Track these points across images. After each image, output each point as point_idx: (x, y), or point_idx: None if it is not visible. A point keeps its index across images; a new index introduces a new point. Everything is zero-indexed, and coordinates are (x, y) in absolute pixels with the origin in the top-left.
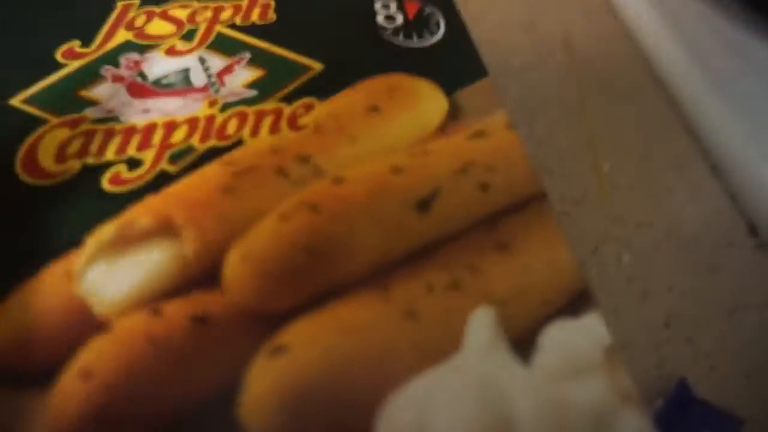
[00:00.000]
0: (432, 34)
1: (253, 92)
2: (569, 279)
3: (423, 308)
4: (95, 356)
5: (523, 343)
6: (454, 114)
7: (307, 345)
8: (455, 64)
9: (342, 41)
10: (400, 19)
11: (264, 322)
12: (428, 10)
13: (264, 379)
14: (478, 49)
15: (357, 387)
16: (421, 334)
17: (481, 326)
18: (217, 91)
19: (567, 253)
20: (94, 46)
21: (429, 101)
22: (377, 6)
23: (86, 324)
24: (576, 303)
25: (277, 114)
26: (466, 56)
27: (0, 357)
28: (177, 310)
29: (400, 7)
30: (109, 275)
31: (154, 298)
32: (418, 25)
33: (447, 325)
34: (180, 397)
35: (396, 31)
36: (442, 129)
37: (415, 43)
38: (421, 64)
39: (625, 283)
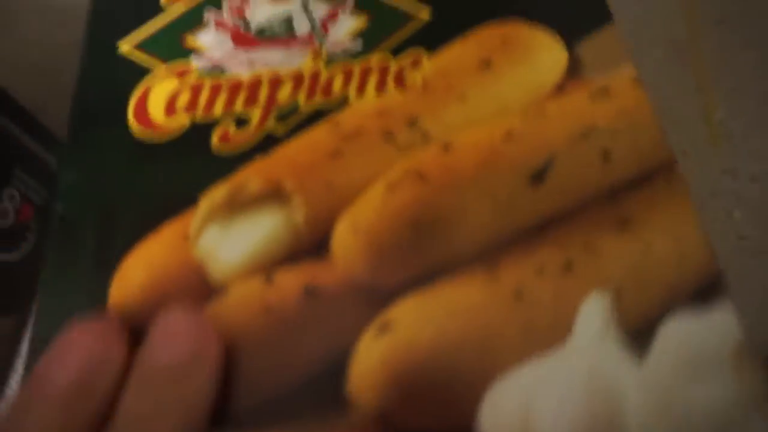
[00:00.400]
0: None
1: (358, 43)
2: (699, 262)
3: (533, 291)
4: (214, 320)
5: (641, 331)
6: (574, 68)
7: (415, 323)
8: (577, 7)
9: None
10: None
11: (373, 296)
12: None
13: (372, 355)
14: None
15: (463, 369)
16: (530, 318)
17: (592, 314)
18: (321, 42)
19: (698, 232)
20: None
21: (546, 54)
22: None
23: (205, 286)
24: (706, 290)
25: (384, 71)
26: None
27: (127, 312)
28: (290, 280)
29: None
30: (223, 239)
31: (266, 265)
32: None
33: (557, 310)
34: (289, 367)
35: None
36: (561, 86)
37: None
38: (538, 7)
39: (736, 241)
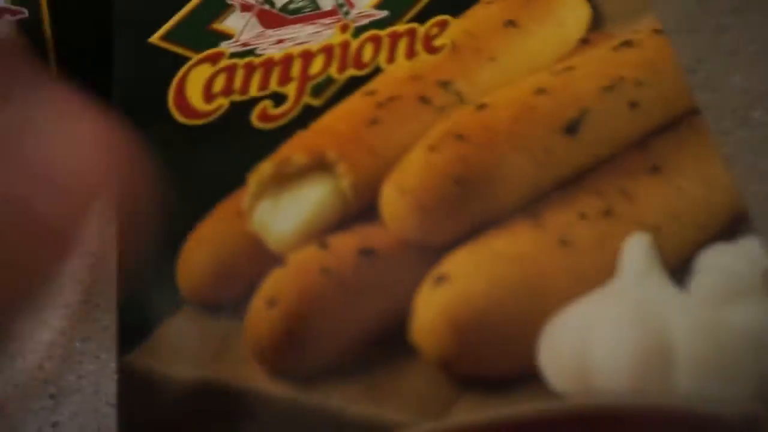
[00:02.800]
0: None
1: (384, 12)
2: (727, 201)
3: (577, 236)
4: (277, 286)
5: (679, 268)
6: (597, 21)
7: (468, 274)
8: None
9: None
10: None
11: (425, 252)
12: None
13: (431, 307)
14: None
15: (517, 314)
16: (576, 261)
17: (635, 253)
18: (346, 14)
19: (725, 173)
20: None
21: (569, 9)
22: None
23: (264, 257)
24: (733, 226)
25: (412, 35)
26: None
27: (198, 292)
28: (344, 243)
29: None
30: (275, 212)
31: (319, 232)
32: None
33: (601, 252)
34: (355, 325)
35: None
36: (586, 40)
37: None
38: None
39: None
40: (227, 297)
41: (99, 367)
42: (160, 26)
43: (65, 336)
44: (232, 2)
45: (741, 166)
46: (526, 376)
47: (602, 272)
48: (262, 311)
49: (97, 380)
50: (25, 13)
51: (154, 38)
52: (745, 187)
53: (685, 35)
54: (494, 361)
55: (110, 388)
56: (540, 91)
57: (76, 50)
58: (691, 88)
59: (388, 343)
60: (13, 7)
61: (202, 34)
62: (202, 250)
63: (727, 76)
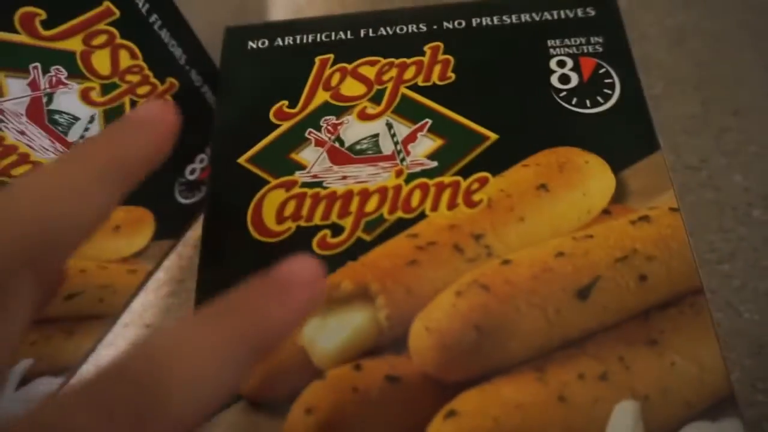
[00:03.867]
0: (606, 99)
1: (434, 164)
2: (716, 383)
3: (574, 395)
4: (315, 397)
5: None
6: (620, 194)
7: (475, 414)
8: (627, 137)
9: (516, 106)
10: (575, 79)
11: (441, 388)
12: (605, 67)
13: None
14: (652, 120)
15: None
16: (571, 417)
17: (624, 417)
18: (402, 160)
19: (717, 355)
20: (299, 107)
21: (597, 180)
22: (552, 64)
23: (307, 369)
24: (718, 407)
25: (455, 188)
26: (639, 126)
27: (250, 388)
28: (375, 368)
29: (576, 65)
30: (322, 330)
31: (356, 354)
32: (592, 88)
33: (593, 412)
34: None
35: (570, 94)
36: (608, 211)
37: (588, 109)
38: (591, 135)
39: None
40: (272, 398)
41: None
42: (248, 149)
43: None
44: (309, 136)
45: (742, 262)
46: None
47: (592, 431)
48: (300, 417)
49: None
50: None
51: (242, 159)
52: (746, 284)
53: (690, 136)
54: None
55: None
56: (560, 254)
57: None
58: (695, 186)
59: None
60: None
61: (281, 161)
62: None
63: (728, 175)
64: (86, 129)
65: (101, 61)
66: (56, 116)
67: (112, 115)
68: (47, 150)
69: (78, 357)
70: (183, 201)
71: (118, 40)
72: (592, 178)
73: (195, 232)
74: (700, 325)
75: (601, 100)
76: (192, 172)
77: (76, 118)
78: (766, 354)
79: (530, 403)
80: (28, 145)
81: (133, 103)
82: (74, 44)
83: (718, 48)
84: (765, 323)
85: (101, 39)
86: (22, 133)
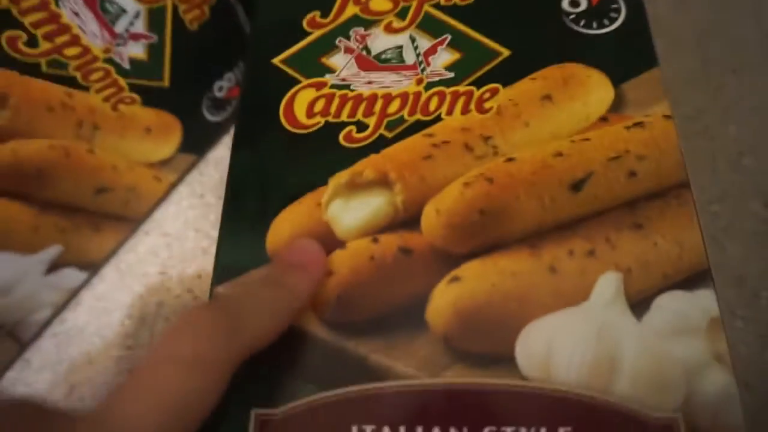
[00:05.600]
0: (612, 22)
1: (451, 74)
2: (694, 260)
3: (563, 267)
4: (337, 262)
5: (639, 304)
6: (617, 104)
7: (476, 279)
8: (628, 55)
9: (529, 26)
10: (584, 4)
11: (448, 258)
12: None
13: (444, 297)
14: (653, 39)
15: (507, 313)
16: (559, 284)
17: (607, 285)
18: (423, 70)
19: (698, 238)
20: (330, 17)
21: (598, 92)
22: None
23: (331, 240)
24: (695, 279)
25: (469, 96)
26: (640, 46)
27: (279, 253)
28: (390, 241)
29: None
30: (345, 209)
31: (374, 230)
32: (600, 11)
33: (580, 280)
34: (387, 299)
35: (578, 16)
36: (605, 118)
37: (594, 30)
38: (595, 53)
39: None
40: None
41: None
42: (282, 52)
43: (142, 300)
44: (339, 44)
45: (731, 205)
46: (504, 359)
47: (577, 296)
48: (325, 278)
49: None
50: (155, 38)
51: (276, 60)
52: (732, 223)
53: (689, 89)
54: (483, 343)
55: None
56: (558, 154)
57: (190, 69)
58: (691, 135)
59: (408, 317)
60: (149, 34)
61: (312, 64)
62: (287, 224)
63: (723, 126)
64: (131, 23)
65: None
66: (107, 4)
67: (154, 15)
68: (96, 36)
69: (101, 255)
70: (209, 117)
71: None
72: (594, 90)
73: (217, 152)
74: (684, 214)
75: (606, 23)
76: (220, 89)
77: (124, 11)
78: (746, 285)
79: (524, 271)
80: (80, 27)
81: (175, 7)
82: None
83: (719, 11)
84: (746, 258)
85: None
86: (77, 14)
